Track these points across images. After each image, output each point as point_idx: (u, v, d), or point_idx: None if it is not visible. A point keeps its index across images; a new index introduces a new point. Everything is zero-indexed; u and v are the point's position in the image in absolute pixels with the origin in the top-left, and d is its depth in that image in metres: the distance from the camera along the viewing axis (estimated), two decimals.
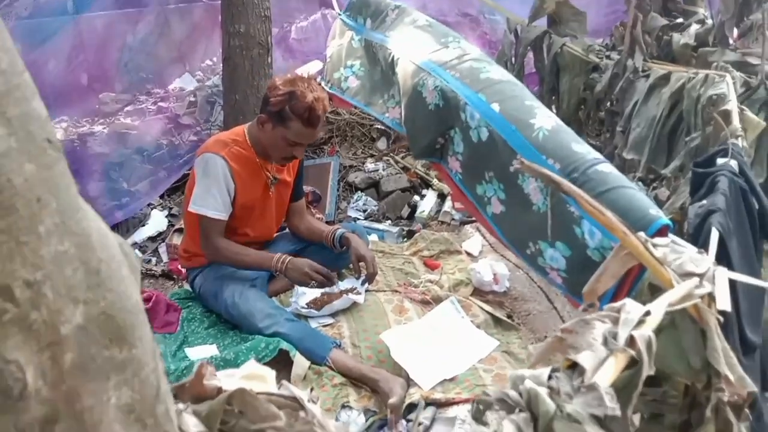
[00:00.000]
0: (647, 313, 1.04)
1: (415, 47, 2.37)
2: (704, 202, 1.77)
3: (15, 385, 0.44)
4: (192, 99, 4.30)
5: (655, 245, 1.22)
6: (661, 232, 1.42)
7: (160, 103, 4.32)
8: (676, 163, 2.53)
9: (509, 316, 2.68)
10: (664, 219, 1.44)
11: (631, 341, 0.99)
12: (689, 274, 1.22)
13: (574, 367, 0.98)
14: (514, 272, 2.89)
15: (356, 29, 2.71)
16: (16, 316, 0.44)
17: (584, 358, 0.97)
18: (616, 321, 1.04)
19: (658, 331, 1.05)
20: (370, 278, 2.63)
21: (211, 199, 2.46)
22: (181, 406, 0.74)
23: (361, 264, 2.61)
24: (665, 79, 2.68)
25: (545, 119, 1.81)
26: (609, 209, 1.20)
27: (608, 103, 3.07)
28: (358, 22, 2.69)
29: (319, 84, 2.60)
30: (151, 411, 0.52)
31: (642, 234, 1.19)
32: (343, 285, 2.72)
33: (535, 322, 2.63)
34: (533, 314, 2.67)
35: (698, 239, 1.56)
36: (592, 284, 1.26)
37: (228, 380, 0.84)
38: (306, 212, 2.91)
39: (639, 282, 1.48)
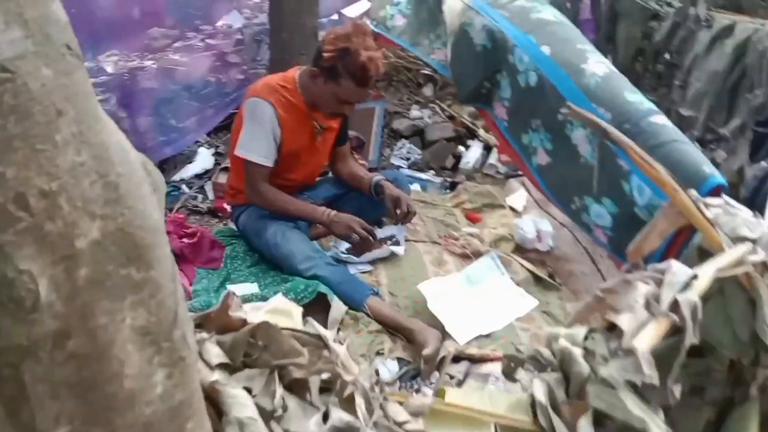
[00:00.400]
0: (694, 277, 0.98)
1: None
2: (764, 163, 1.68)
3: (27, 296, 0.43)
4: (239, 37, 4.27)
5: (707, 205, 1.16)
6: (715, 191, 1.35)
7: (208, 40, 4.30)
8: (737, 121, 2.39)
9: (551, 276, 2.62)
10: (719, 177, 1.36)
11: (674, 306, 0.94)
12: (742, 239, 1.15)
13: (612, 329, 0.95)
14: (558, 231, 2.82)
15: None
16: (30, 225, 0.42)
17: (623, 320, 0.93)
18: (660, 283, 0.99)
19: (705, 298, 1.00)
20: (404, 218, 2.59)
21: (257, 145, 2.45)
22: (205, 335, 0.74)
23: (398, 207, 2.58)
24: (729, 30, 2.52)
25: (598, 65, 1.71)
26: (661, 164, 1.14)
27: (667, 55, 2.91)
28: None
29: (376, 40, 2.51)
30: (168, 335, 0.51)
31: (694, 192, 1.13)
32: (383, 233, 2.70)
33: (577, 283, 2.57)
34: (576, 275, 2.60)
35: (755, 203, 1.48)
36: (638, 243, 1.21)
37: (254, 313, 0.84)
38: (350, 157, 2.88)
39: (688, 245, 1.41)
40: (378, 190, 2.66)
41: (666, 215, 1.16)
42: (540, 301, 2.45)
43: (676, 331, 0.94)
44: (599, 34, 3.16)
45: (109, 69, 4.21)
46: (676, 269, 0.99)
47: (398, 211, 2.58)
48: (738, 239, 1.14)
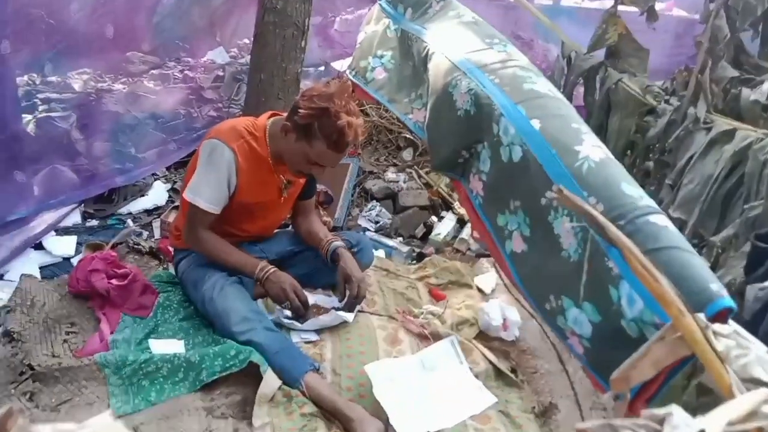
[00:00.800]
0: None
1: (454, 44, 2.08)
2: (767, 284, 1.48)
3: None
4: (220, 73, 4.11)
5: (716, 334, 0.94)
6: (720, 315, 1.13)
7: (187, 72, 4.13)
8: (729, 231, 2.22)
9: (513, 370, 2.38)
10: (728, 299, 1.14)
11: None
12: (756, 382, 0.93)
13: None
14: (526, 321, 2.59)
15: (394, 17, 2.43)
16: None
17: None
18: None
19: None
20: (350, 304, 2.38)
21: (207, 190, 2.24)
22: None
23: (348, 285, 2.37)
24: (729, 135, 2.38)
25: (594, 149, 1.50)
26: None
27: (659, 153, 2.77)
28: (398, 10, 2.41)
29: (360, 108, 2.33)
30: None
31: (702, 317, 0.91)
32: (334, 300, 2.46)
33: (540, 382, 2.32)
34: (540, 373, 2.36)
35: (757, 329, 1.26)
36: (626, 370, 0.98)
37: None
38: (313, 212, 2.66)
39: (674, 376, 1.18)
40: (334, 257, 2.42)
41: (664, 341, 0.93)
42: (498, 398, 2.21)
43: None
44: (590, 122, 3.02)
45: (76, 86, 4.02)
46: (678, 421, 0.76)
47: (347, 292, 2.37)
48: (750, 381, 0.91)
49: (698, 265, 1.21)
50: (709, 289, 1.15)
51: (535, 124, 1.60)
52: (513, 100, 1.72)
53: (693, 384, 1.01)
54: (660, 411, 0.77)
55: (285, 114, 2.27)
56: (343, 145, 2.16)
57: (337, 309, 2.39)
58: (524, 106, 1.67)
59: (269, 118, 2.36)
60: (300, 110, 2.15)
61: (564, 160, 1.48)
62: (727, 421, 0.80)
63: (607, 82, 2.94)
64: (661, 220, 1.32)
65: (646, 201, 1.37)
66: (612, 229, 0.86)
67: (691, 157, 2.45)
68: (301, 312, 2.29)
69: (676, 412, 0.76)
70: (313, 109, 2.13)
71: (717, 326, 0.94)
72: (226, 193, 2.28)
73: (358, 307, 2.40)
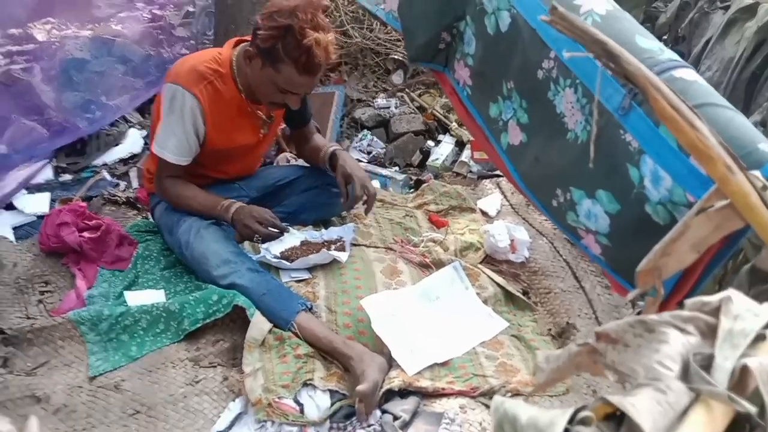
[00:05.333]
0: None
1: None
2: None
3: None
4: (191, 9, 3.82)
5: None
6: None
7: (156, 11, 3.84)
8: (756, 117, 1.98)
9: (525, 293, 2.19)
10: None
11: (741, 376, 0.50)
12: None
13: (618, 419, 0.50)
14: (536, 240, 2.39)
15: None
16: None
17: (640, 407, 0.48)
18: (708, 331, 0.55)
19: None
20: (353, 203, 2.21)
21: (173, 141, 2.04)
22: None
23: (349, 186, 2.18)
24: (750, 11, 2.10)
25: (596, 0, 1.24)
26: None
27: (672, 42, 2.50)
28: None
29: (340, 28, 2.05)
30: None
31: (759, 174, 0.69)
32: (327, 235, 2.26)
33: (555, 302, 2.14)
34: (554, 293, 2.17)
35: None
36: (655, 258, 0.76)
37: None
38: (314, 137, 2.42)
39: (719, 263, 0.97)
40: (332, 161, 2.23)
41: (707, 214, 0.71)
42: (511, 323, 2.03)
43: (743, 423, 0.50)
44: None
45: (39, 37, 3.74)
46: (739, 306, 0.55)
47: (350, 193, 2.18)
48: None
49: (741, 123, 0.98)
50: (759, 150, 0.92)
51: None
52: None
53: (744, 271, 0.81)
54: (712, 298, 0.56)
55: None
56: (314, 67, 1.91)
57: (335, 243, 2.19)
58: None
59: (234, 46, 2.11)
60: (260, 31, 1.90)
61: None
62: None
63: None
64: (688, 74, 1.07)
65: (668, 54, 1.12)
66: (627, 57, 0.63)
67: (707, 42, 2.19)
68: (276, 234, 2.13)
69: (735, 297, 0.56)
70: (275, 29, 1.87)
71: None
72: (195, 141, 2.07)
73: (354, 235, 2.20)
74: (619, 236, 1.18)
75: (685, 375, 0.52)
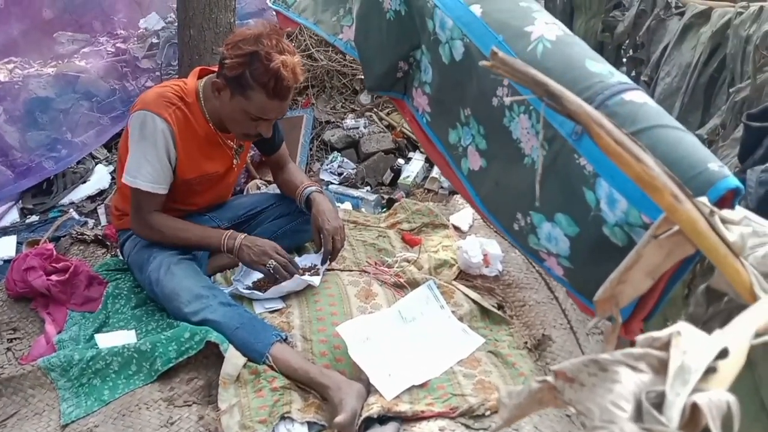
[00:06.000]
0: (722, 354, 0.54)
1: None
2: None
3: None
4: (155, 41, 3.80)
5: (724, 222, 0.71)
6: (725, 200, 0.91)
7: (120, 44, 3.81)
8: (716, 121, 2.01)
9: (500, 306, 2.19)
10: (732, 179, 0.92)
11: (692, 413, 0.50)
12: None
13: None
14: (508, 253, 2.39)
15: None
16: None
17: None
18: (660, 367, 0.55)
19: None
20: (327, 256, 2.15)
21: (147, 168, 1.99)
22: None
23: (323, 235, 2.13)
24: (704, 16, 2.14)
25: (547, 26, 1.25)
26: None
27: (632, 49, 2.53)
28: None
29: (305, 52, 2.04)
30: None
31: (705, 200, 0.70)
32: (301, 262, 2.23)
33: (530, 314, 2.13)
34: (529, 305, 2.17)
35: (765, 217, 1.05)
36: (612, 287, 0.76)
37: None
38: (288, 163, 2.40)
39: (674, 285, 0.97)
40: (308, 204, 2.21)
41: (659, 241, 0.71)
42: (487, 338, 2.03)
43: None
44: None
45: (1, 77, 3.72)
46: (690, 340, 0.54)
47: (323, 240, 2.14)
48: None
49: (691, 143, 0.99)
50: (709, 170, 0.93)
51: (476, 9, 1.31)
52: None
53: (699, 291, 0.81)
54: (662, 333, 0.56)
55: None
56: (283, 90, 1.90)
57: (310, 270, 2.17)
58: None
59: (200, 77, 2.09)
60: (227, 61, 1.89)
61: (513, 46, 1.22)
62: (754, 332, 0.59)
63: None
64: (638, 96, 1.08)
65: (618, 77, 1.13)
66: (568, 96, 0.63)
67: (665, 48, 2.21)
68: (291, 270, 2.06)
69: (684, 329, 0.55)
70: (241, 56, 1.87)
71: (726, 212, 0.72)
72: (169, 168, 2.03)
73: (325, 267, 2.18)
74: (580, 258, 1.18)
75: (639, 415, 0.51)
